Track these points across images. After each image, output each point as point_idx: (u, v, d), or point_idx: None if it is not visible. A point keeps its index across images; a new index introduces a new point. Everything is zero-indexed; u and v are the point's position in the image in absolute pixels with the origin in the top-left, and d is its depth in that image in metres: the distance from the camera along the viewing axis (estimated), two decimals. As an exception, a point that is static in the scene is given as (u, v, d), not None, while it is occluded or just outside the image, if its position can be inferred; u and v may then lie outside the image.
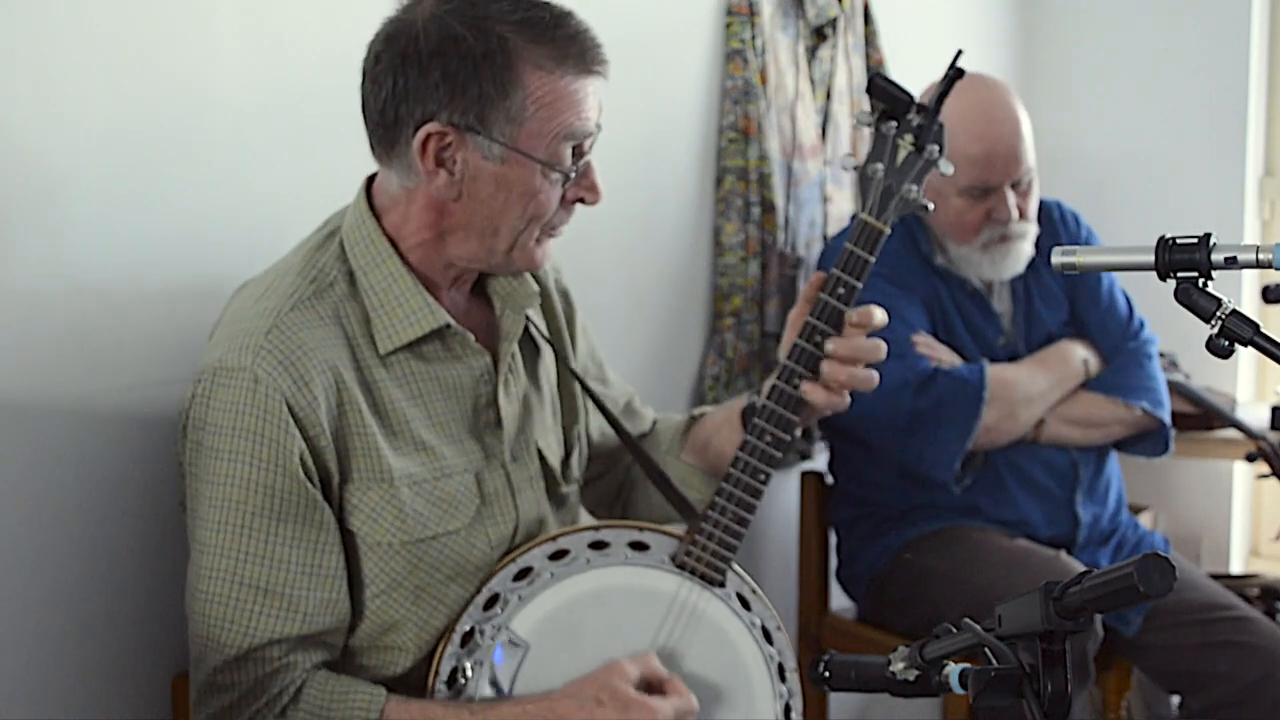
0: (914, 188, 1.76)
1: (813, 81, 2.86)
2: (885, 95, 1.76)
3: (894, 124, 1.77)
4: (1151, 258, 1.17)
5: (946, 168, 1.78)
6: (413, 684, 1.59)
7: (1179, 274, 1.17)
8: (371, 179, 1.64)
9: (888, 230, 1.75)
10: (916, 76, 3.26)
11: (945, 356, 2.48)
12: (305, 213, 1.79)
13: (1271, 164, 3.72)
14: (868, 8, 3.03)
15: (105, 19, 1.60)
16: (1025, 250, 2.52)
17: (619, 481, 1.95)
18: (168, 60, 1.67)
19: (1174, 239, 1.17)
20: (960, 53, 1.80)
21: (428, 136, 1.51)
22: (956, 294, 2.55)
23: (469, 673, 1.58)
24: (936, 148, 1.77)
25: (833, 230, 2.89)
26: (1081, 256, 1.23)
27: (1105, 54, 3.76)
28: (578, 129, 1.54)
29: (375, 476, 1.53)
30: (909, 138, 1.77)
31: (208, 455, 1.49)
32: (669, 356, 2.61)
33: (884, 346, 1.74)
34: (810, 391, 1.72)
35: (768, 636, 1.72)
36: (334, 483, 1.52)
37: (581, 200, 1.60)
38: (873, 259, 1.75)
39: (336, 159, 1.88)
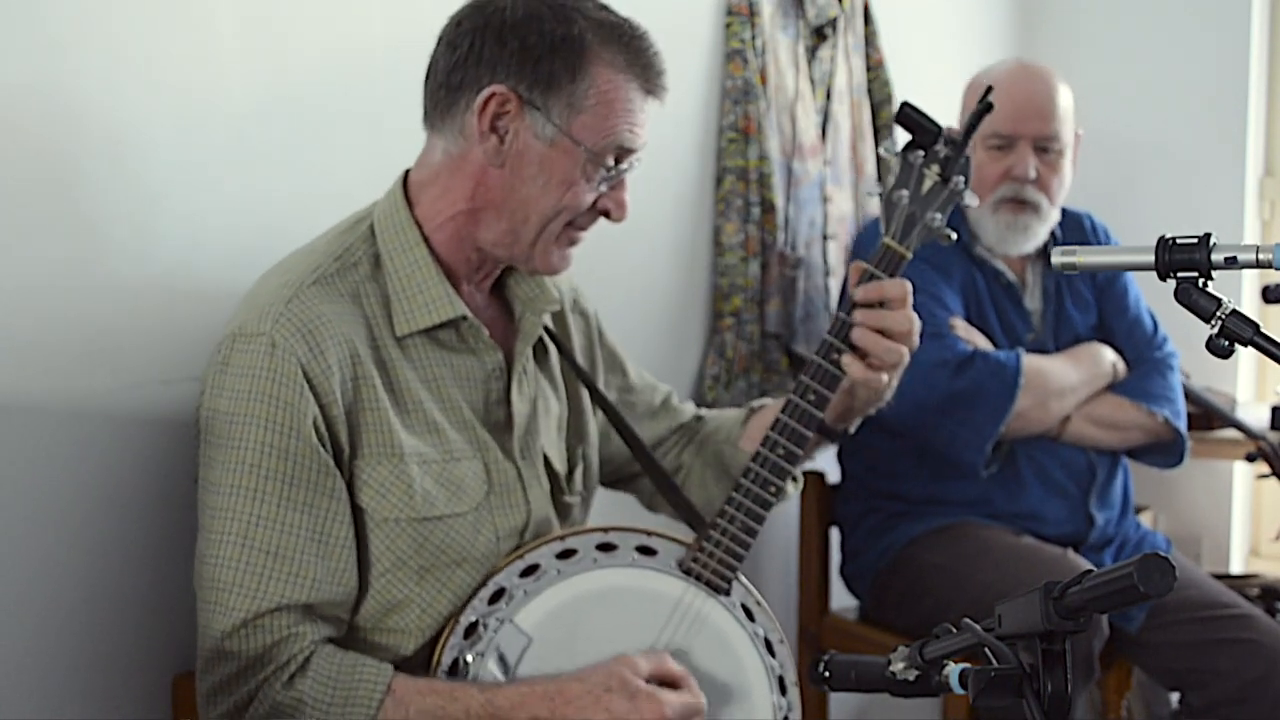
0: (938, 216, 1.77)
1: (813, 81, 2.86)
2: (913, 125, 1.77)
3: (921, 153, 1.78)
4: (1151, 258, 1.17)
5: (971, 200, 1.79)
6: (415, 670, 1.60)
7: (1179, 274, 1.17)
8: (408, 173, 1.68)
9: (910, 255, 1.77)
10: (917, 76, 3.27)
11: (981, 342, 2.51)
12: (306, 214, 1.79)
13: (1271, 164, 3.72)
14: (868, 8, 3.03)
15: (108, 22, 1.60)
16: (1036, 229, 2.55)
17: (675, 466, 1.97)
18: (168, 63, 1.67)
19: (1174, 239, 1.17)
20: (991, 89, 1.82)
21: (491, 96, 1.56)
22: (992, 285, 2.59)
23: (470, 665, 1.58)
24: (962, 179, 1.77)
25: (833, 230, 2.90)
26: (1082, 256, 1.23)
27: (1105, 55, 3.76)
28: (627, 138, 1.60)
29: (385, 452, 1.55)
30: (935, 168, 1.77)
31: (223, 420, 1.51)
32: (669, 357, 2.61)
33: (916, 320, 1.73)
34: (850, 364, 1.72)
35: (770, 649, 1.71)
36: (345, 456, 1.54)
37: (607, 214, 1.65)
38: None
39: (337, 162, 1.89)
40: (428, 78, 1.63)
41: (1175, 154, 3.67)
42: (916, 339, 1.75)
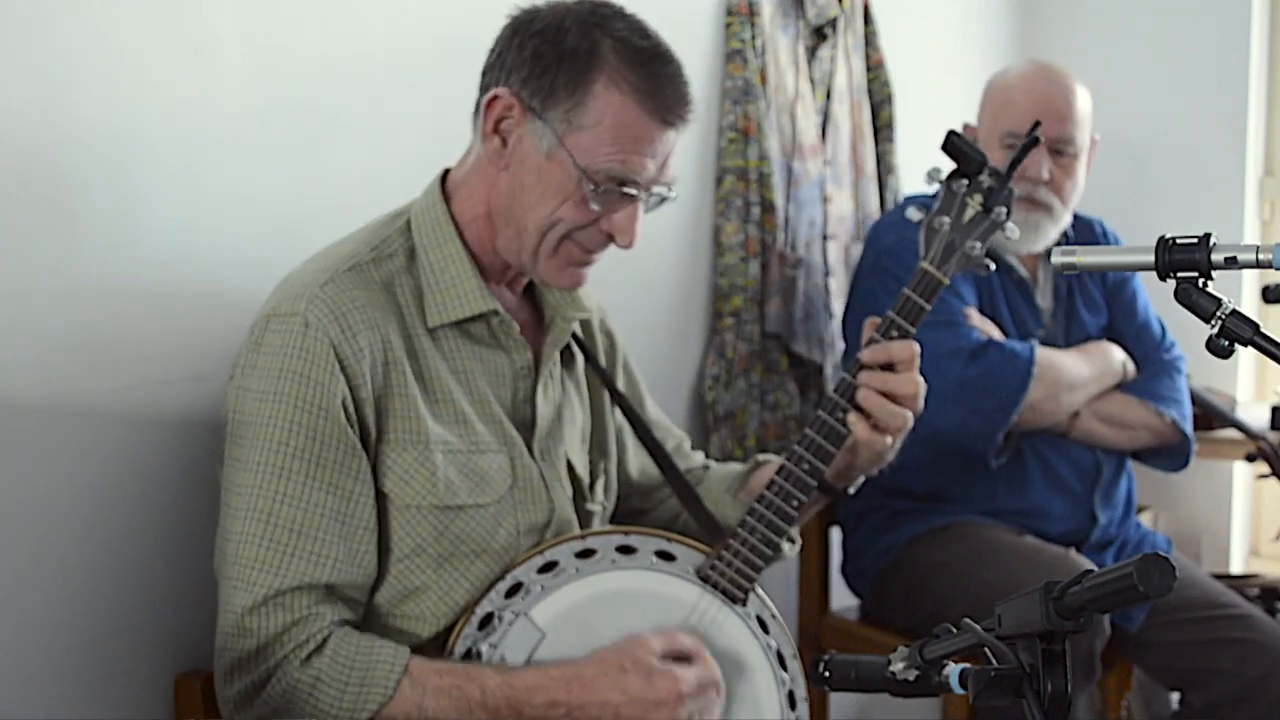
0: (977, 245, 1.78)
1: (813, 81, 2.86)
2: (958, 154, 1.78)
3: (965, 182, 1.79)
4: (1151, 258, 1.17)
5: (1013, 232, 1.80)
6: (429, 657, 1.60)
7: (1179, 274, 1.17)
8: (447, 172, 1.70)
9: (947, 281, 1.77)
10: (917, 76, 3.27)
11: (994, 333, 2.53)
12: (307, 217, 1.79)
13: (1271, 164, 3.72)
14: (868, 8, 3.03)
15: (108, 26, 1.60)
16: (1048, 228, 2.56)
17: (658, 521, 1.96)
18: (170, 67, 1.67)
19: (1174, 239, 1.17)
20: (1038, 123, 1.84)
21: (494, 98, 1.57)
22: (1005, 280, 2.60)
23: (483, 655, 1.59)
24: (1004, 210, 1.78)
25: (833, 230, 2.90)
26: (1082, 256, 1.23)
27: (1105, 56, 3.76)
28: (619, 168, 1.57)
29: (412, 439, 1.56)
30: (978, 198, 1.79)
31: (253, 399, 1.52)
32: (669, 356, 2.61)
33: (922, 384, 1.73)
34: (854, 423, 1.72)
35: (782, 662, 1.71)
36: (371, 439, 1.55)
37: (613, 240, 1.63)
38: (929, 307, 1.76)
39: (339, 166, 1.89)
40: None
41: (1175, 154, 3.67)
42: (921, 403, 1.74)
